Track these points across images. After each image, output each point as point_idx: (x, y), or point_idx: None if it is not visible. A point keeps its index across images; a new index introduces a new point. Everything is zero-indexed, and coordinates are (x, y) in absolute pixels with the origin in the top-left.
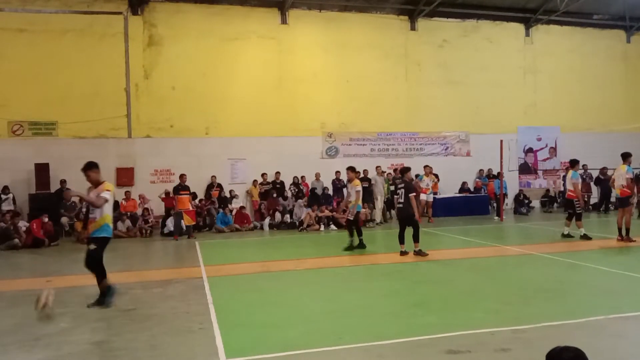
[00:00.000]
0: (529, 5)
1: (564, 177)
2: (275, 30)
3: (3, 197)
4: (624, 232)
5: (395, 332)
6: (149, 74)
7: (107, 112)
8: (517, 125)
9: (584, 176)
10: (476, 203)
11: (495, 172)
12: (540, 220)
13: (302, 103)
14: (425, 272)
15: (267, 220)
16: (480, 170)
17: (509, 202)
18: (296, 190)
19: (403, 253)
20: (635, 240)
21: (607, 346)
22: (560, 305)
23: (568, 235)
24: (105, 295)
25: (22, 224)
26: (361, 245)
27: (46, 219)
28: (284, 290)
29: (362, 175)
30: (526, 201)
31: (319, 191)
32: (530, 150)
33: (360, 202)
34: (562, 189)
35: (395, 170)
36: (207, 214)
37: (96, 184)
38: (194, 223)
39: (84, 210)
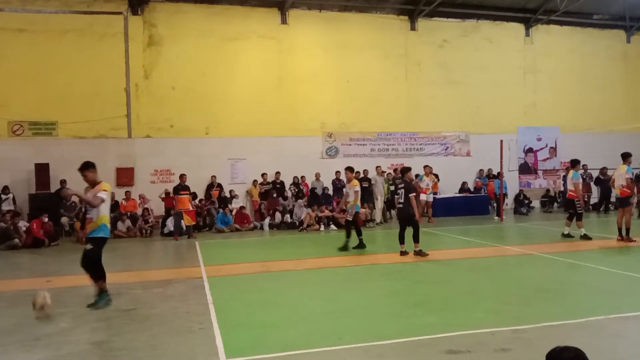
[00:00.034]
0: (529, 5)
1: (564, 177)
2: (275, 30)
3: (3, 197)
4: (624, 232)
5: (395, 332)
6: (149, 74)
7: (107, 112)
8: (517, 125)
9: (584, 176)
10: (476, 203)
11: (495, 172)
12: (540, 220)
13: (302, 103)
14: (425, 272)
15: (267, 220)
16: (480, 170)
17: (509, 202)
18: (296, 190)
19: (403, 253)
20: (635, 240)
21: (607, 346)
22: (560, 305)
23: (568, 235)
24: (99, 297)
25: (22, 224)
26: (361, 245)
27: (46, 219)
28: (284, 290)
29: (362, 175)
30: (526, 201)
31: (319, 191)
32: (530, 150)
33: (359, 203)
34: (562, 189)
35: (395, 170)
36: (207, 214)
37: (93, 184)
38: (194, 223)
39: (84, 210)
